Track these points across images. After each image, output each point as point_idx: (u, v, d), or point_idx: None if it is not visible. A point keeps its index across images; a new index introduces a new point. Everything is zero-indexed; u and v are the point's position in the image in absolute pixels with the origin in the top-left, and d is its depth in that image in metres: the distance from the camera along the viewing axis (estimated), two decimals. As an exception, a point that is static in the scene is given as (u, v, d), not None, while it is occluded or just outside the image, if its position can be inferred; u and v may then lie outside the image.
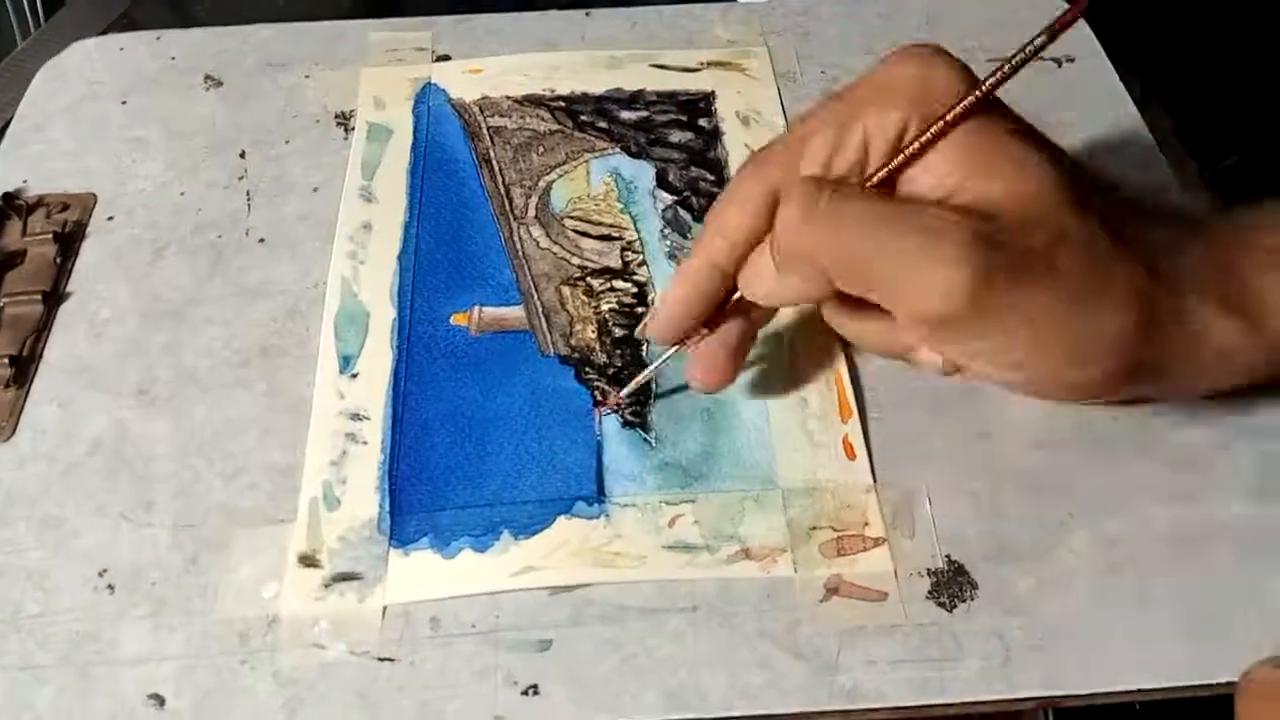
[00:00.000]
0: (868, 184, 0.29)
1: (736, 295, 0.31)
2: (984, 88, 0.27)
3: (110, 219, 0.40)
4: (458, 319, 0.37)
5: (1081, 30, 0.49)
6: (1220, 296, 0.29)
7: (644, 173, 0.42)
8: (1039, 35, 0.27)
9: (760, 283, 0.30)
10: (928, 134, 0.28)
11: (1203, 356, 0.29)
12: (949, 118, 0.27)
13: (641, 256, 0.39)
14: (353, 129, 0.43)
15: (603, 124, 0.44)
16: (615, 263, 0.39)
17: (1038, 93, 0.45)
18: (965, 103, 0.27)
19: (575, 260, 0.39)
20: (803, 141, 0.29)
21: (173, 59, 0.47)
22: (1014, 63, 0.27)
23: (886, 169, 0.28)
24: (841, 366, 0.36)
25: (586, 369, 0.36)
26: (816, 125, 0.29)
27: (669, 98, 0.45)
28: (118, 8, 0.51)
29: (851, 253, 0.27)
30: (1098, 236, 0.27)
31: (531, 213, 0.41)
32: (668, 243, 0.40)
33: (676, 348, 0.32)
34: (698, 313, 0.31)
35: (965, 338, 0.28)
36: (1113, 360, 0.28)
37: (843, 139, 0.28)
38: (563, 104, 0.45)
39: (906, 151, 0.28)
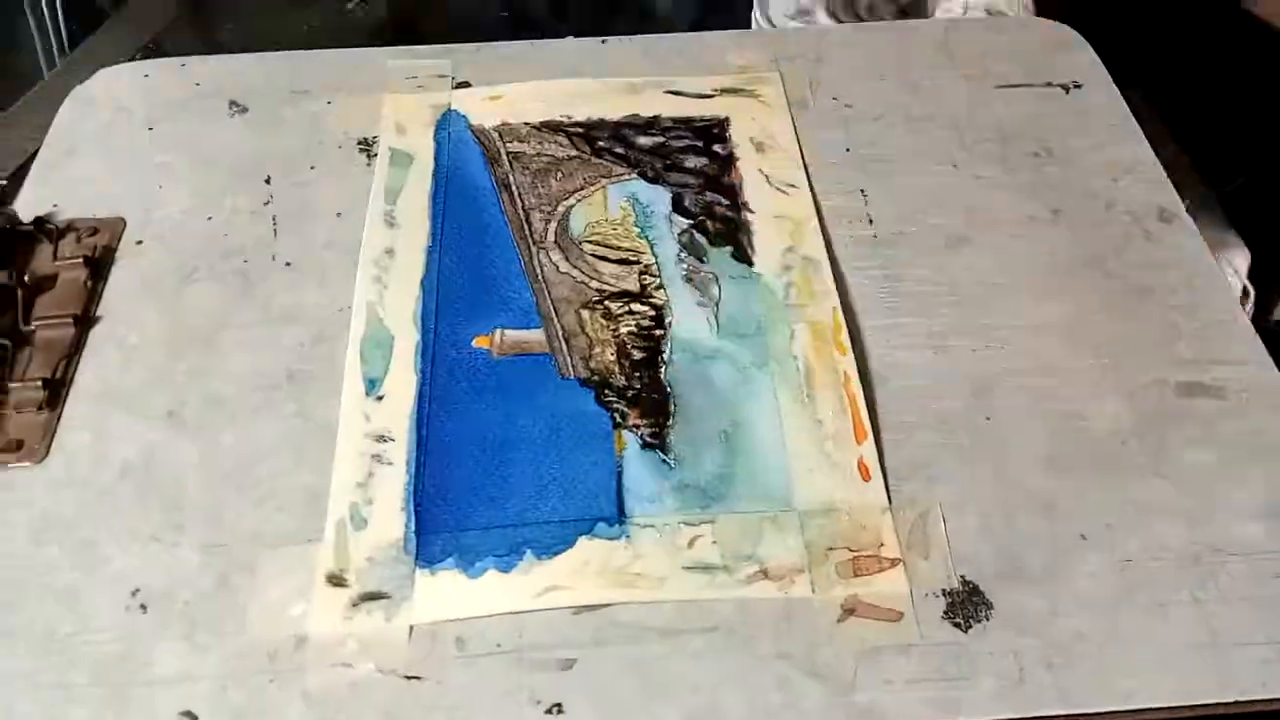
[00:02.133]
0: None
1: None
2: None
3: (139, 243, 0.41)
4: (480, 342, 0.38)
5: (1088, 57, 0.49)
6: None
7: (660, 197, 0.43)
8: None
9: None
10: None
11: None
12: None
13: (659, 280, 0.40)
14: (375, 155, 0.44)
15: (620, 149, 0.45)
16: (633, 286, 0.40)
17: (1047, 119, 0.47)
18: None
19: (594, 284, 0.40)
20: None
21: (198, 85, 0.48)
22: None
23: None
24: (856, 390, 0.36)
25: (606, 391, 0.36)
26: None
27: (684, 124, 0.46)
28: (145, 34, 0.52)
29: None
30: None
31: (551, 237, 0.41)
32: (684, 266, 0.40)
33: None
34: None
35: None
36: None
37: None
38: (580, 130, 0.46)
39: None
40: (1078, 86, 0.48)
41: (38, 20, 0.60)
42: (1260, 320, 0.38)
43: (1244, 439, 0.35)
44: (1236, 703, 0.29)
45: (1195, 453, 0.35)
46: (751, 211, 0.42)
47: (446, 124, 0.46)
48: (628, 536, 0.33)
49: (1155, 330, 0.38)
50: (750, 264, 0.40)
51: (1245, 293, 0.40)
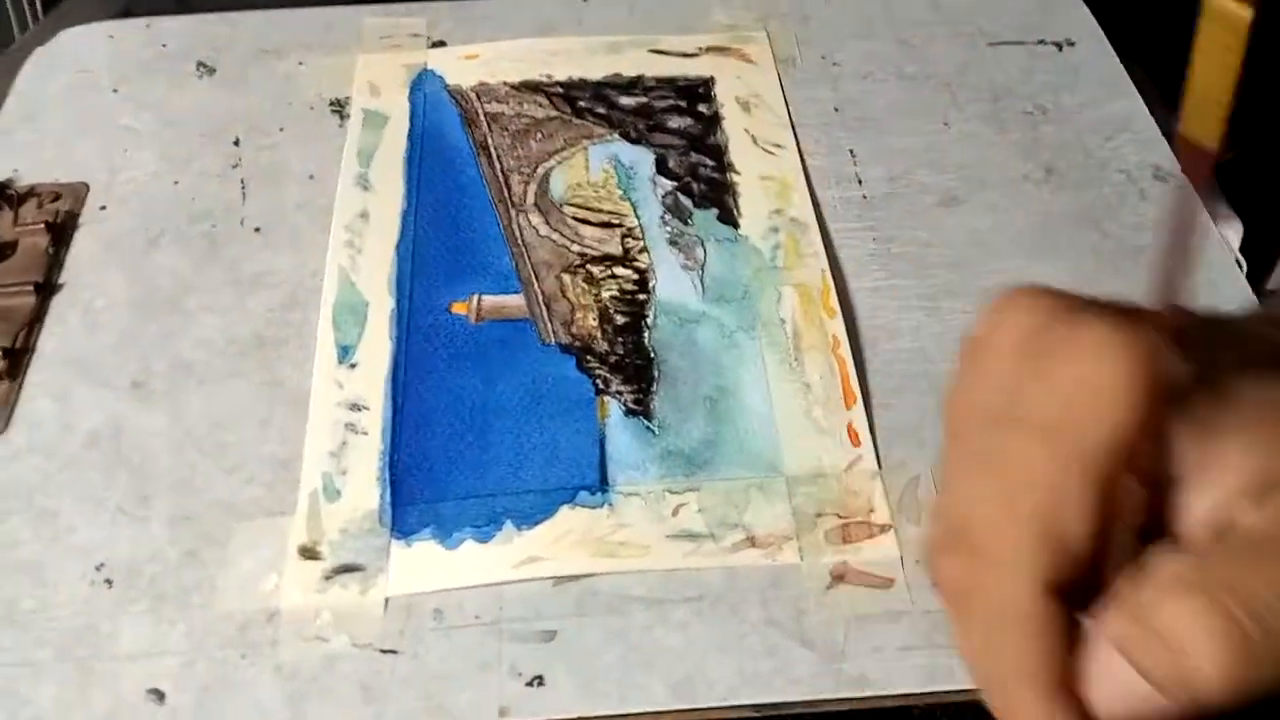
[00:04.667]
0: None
1: None
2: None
3: (103, 208, 0.40)
4: (457, 308, 0.37)
5: (1082, 14, 0.48)
6: None
7: (643, 159, 0.42)
8: None
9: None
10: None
11: None
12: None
13: (642, 243, 0.39)
14: (348, 116, 0.43)
15: (601, 110, 0.43)
16: (616, 250, 0.39)
17: (1039, 76, 0.45)
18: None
19: (575, 248, 0.39)
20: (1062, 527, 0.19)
21: (164, 46, 0.46)
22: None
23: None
24: (845, 354, 0.35)
25: (588, 357, 0.35)
26: (1068, 500, 0.19)
27: (668, 83, 0.44)
28: (118, 1, 0.50)
29: None
30: None
31: (530, 200, 0.40)
32: (668, 229, 0.39)
33: None
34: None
35: None
36: None
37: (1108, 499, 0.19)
38: (561, 90, 0.44)
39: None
40: (1071, 44, 0.47)
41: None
42: (1255, 287, 0.38)
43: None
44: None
45: (1191, 415, 0.34)
46: (737, 173, 0.41)
47: (422, 84, 0.44)
48: (611, 505, 0.32)
49: (1148, 289, 0.37)
50: (736, 226, 0.39)
51: (1238, 265, 0.40)
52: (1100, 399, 0.19)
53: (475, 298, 0.37)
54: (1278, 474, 0.19)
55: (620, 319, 0.36)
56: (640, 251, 0.39)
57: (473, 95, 0.44)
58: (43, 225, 0.38)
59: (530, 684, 0.28)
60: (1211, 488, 0.20)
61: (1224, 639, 0.18)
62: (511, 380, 0.35)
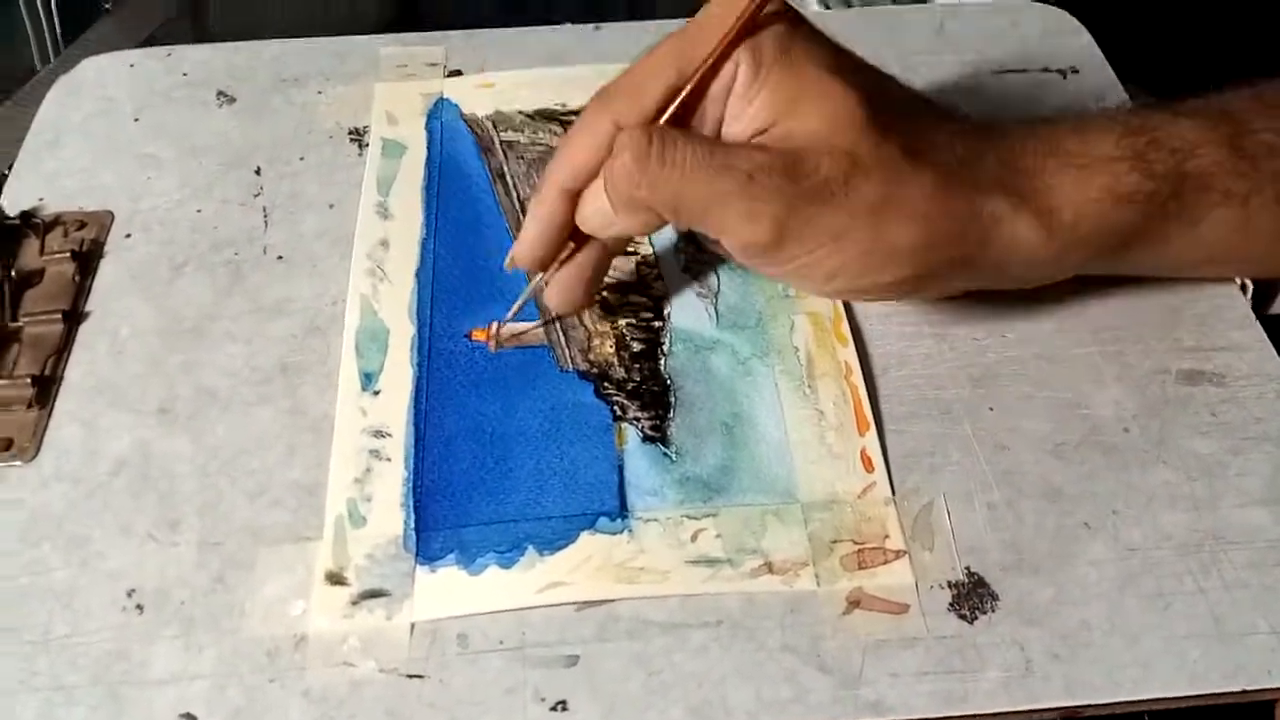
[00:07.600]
0: (664, 120, 0.32)
1: None
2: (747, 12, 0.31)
3: (128, 236, 0.41)
4: (476, 335, 0.37)
5: (1085, 41, 0.49)
6: (1015, 194, 0.32)
7: (657, 187, 0.42)
8: None
9: (597, 218, 0.33)
10: (709, 58, 0.31)
11: (1001, 250, 0.32)
12: (718, 48, 0.31)
13: (657, 271, 0.40)
14: (367, 145, 0.44)
15: (615, 138, 0.44)
16: (631, 277, 0.39)
17: (1042, 104, 0.46)
18: (728, 35, 0.31)
19: (591, 275, 0.39)
20: (646, 77, 0.32)
21: (185, 75, 0.47)
22: None
23: (679, 100, 0.32)
24: (858, 381, 0.36)
25: (605, 384, 0.36)
26: (658, 63, 0.32)
27: (680, 111, 0.45)
28: (143, 31, 0.51)
29: (679, 196, 0.31)
30: (892, 158, 0.31)
31: (547, 228, 0.41)
32: (683, 256, 0.40)
33: (542, 275, 0.35)
34: (553, 238, 0.34)
35: (782, 260, 0.32)
36: (907, 266, 0.32)
37: (683, 75, 0.32)
38: (575, 118, 0.45)
39: (693, 80, 0.32)
40: (1075, 71, 0.48)
41: (32, 16, 0.59)
42: (1258, 313, 0.38)
43: (1246, 425, 0.35)
44: (1244, 691, 0.29)
45: (1198, 440, 0.35)
46: (749, 200, 0.42)
47: (439, 113, 0.45)
48: (630, 531, 0.32)
49: (1156, 317, 0.38)
50: (749, 253, 0.40)
51: (1243, 286, 0.40)
52: (713, 25, 0.31)
53: (494, 325, 0.38)
54: (767, 124, 0.31)
55: (637, 346, 0.37)
56: (655, 279, 0.39)
57: (488, 124, 0.45)
58: (69, 253, 0.39)
59: (554, 709, 0.29)
60: (735, 121, 0.32)
61: (629, 159, 0.30)
62: (531, 407, 0.35)
